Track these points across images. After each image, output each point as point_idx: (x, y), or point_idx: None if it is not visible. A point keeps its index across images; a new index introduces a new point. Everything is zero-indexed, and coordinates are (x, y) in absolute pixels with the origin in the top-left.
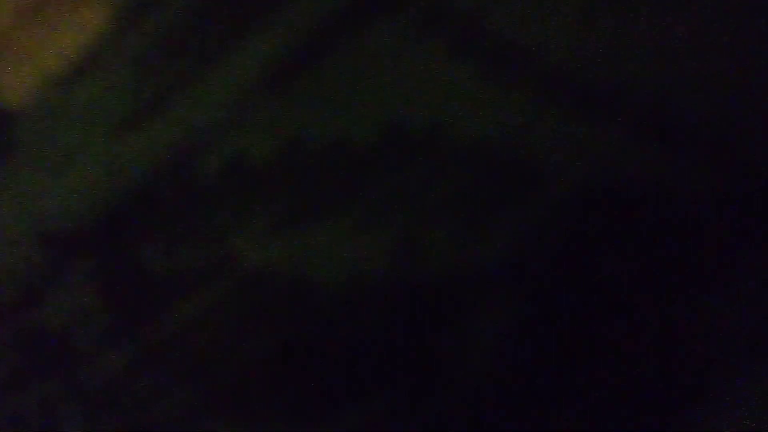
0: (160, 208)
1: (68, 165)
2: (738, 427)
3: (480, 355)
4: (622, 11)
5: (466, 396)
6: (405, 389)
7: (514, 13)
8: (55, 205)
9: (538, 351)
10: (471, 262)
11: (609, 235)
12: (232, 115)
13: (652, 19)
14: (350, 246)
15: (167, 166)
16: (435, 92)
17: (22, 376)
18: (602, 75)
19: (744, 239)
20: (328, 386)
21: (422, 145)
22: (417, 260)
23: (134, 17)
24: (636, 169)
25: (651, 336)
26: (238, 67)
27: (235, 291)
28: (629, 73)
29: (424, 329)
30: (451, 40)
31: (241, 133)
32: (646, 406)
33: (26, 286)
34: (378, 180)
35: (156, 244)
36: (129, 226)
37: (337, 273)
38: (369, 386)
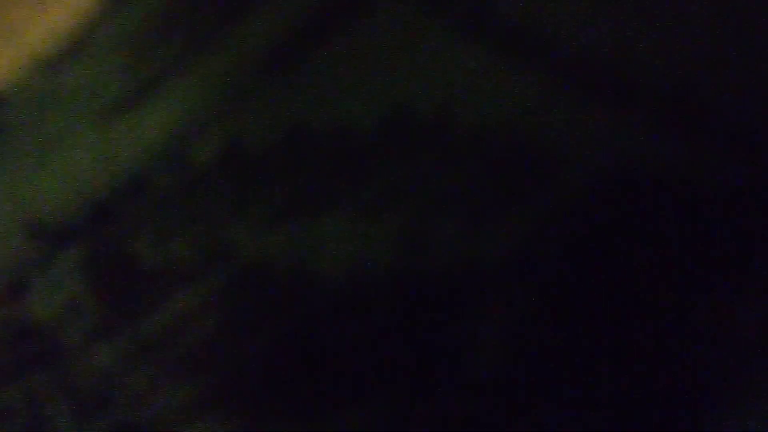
0: (153, 197)
1: (57, 151)
2: (739, 427)
3: (487, 351)
4: None
5: (471, 392)
6: (408, 384)
7: None
8: (43, 193)
9: (546, 347)
10: (479, 255)
11: (623, 227)
12: (229, 100)
13: (672, 3)
14: (353, 237)
15: (161, 153)
16: (443, 76)
17: (8, 371)
18: (619, 60)
19: (764, 233)
20: (328, 381)
21: (429, 131)
22: (423, 252)
23: None
24: (653, 159)
25: (663, 333)
26: (235, 49)
27: (232, 284)
28: (647, 58)
29: (429, 324)
30: (460, 22)
31: (239, 119)
32: (653, 405)
33: (13, 277)
34: (383, 168)
35: (149, 234)
36: (120, 216)
37: (339, 265)
38: (371, 382)
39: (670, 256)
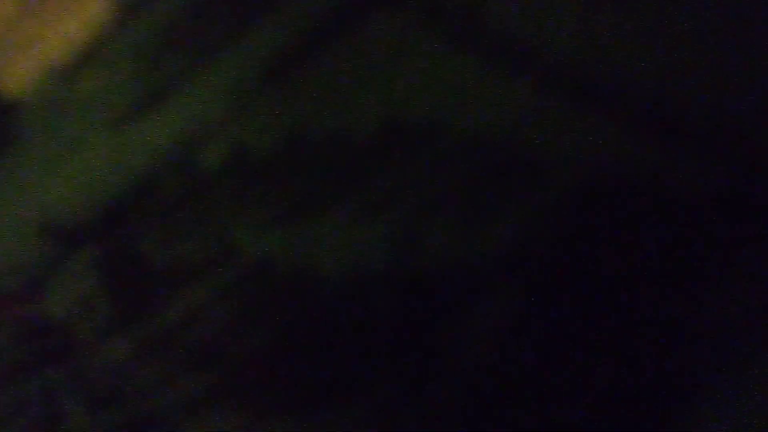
0: (162, 200)
1: (70, 156)
2: (737, 428)
3: (480, 349)
4: (624, 4)
5: (465, 389)
6: (405, 381)
7: (515, 6)
8: (58, 196)
9: (537, 345)
10: (471, 256)
11: (610, 230)
12: (233, 108)
13: (654, 12)
14: (350, 238)
15: (169, 158)
16: (435, 86)
17: (24, 366)
18: (604, 68)
19: (746, 236)
20: (328, 377)
21: (422, 138)
22: (417, 253)
23: (137, 9)
24: (638, 164)
25: (651, 332)
26: (239, 59)
27: (236, 283)
28: (631, 67)
29: (424, 322)
30: (451, 34)
31: (242, 126)
32: (644, 403)
33: (29, 276)
34: (378, 173)
35: (158, 235)
36: (130, 217)
37: (337, 265)
38: (369, 378)
39: (655, 257)
